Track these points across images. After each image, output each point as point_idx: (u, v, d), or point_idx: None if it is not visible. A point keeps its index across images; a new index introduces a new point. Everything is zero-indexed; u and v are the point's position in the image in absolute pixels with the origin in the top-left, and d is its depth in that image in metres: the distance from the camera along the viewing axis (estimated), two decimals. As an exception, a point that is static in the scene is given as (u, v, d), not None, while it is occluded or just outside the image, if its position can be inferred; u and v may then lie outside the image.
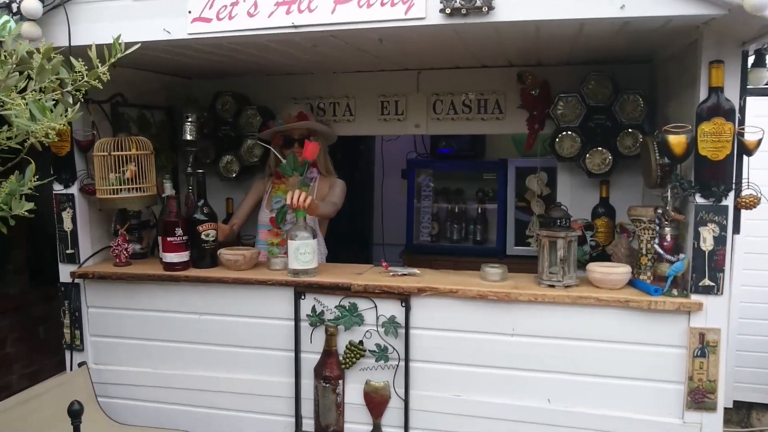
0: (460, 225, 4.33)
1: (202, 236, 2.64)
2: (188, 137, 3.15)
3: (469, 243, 4.33)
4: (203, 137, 3.26)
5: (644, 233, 2.34)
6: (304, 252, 2.46)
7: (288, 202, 2.49)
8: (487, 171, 4.21)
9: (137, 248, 2.88)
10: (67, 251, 2.72)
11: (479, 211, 4.30)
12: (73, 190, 2.70)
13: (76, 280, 2.70)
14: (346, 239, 4.25)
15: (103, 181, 2.59)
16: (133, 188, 2.62)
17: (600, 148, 2.93)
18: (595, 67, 2.92)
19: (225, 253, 2.61)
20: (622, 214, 3.08)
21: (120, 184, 2.60)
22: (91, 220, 2.78)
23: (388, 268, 2.56)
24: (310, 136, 3.14)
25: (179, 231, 2.60)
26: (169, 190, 2.76)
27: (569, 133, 2.96)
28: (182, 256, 2.62)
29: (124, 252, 2.72)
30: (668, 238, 2.23)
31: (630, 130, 2.89)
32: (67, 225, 2.70)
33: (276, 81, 3.44)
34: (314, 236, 2.50)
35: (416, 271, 2.51)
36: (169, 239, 2.59)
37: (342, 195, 3.13)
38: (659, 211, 2.25)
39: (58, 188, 2.71)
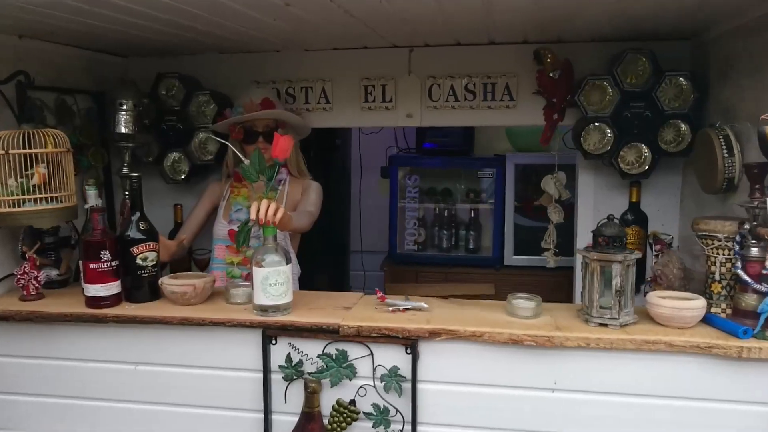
0: (450, 231, 3.77)
1: (138, 260, 2.00)
2: (123, 130, 2.49)
3: (461, 251, 3.78)
4: (142, 130, 2.60)
5: (718, 253, 1.81)
6: (275, 282, 1.85)
7: (252, 216, 1.87)
8: (481, 169, 3.65)
9: (54, 274, 2.21)
10: (-45, 282, 2.04)
11: (472, 214, 3.75)
12: (-38, 200, 2.01)
13: (-32, 321, 2.02)
14: (320, 248, 3.65)
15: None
16: (42, 198, 1.96)
17: (637, 143, 2.40)
18: (629, 45, 2.38)
19: (169, 284, 1.97)
20: (654, 223, 2.58)
21: (24, 193, 1.93)
22: (-11, 239, 2.10)
23: (385, 299, 1.97)
24: (277, 128, 2.52)
25: (106, 255, 1.95)
26: (93, 199, 2.10)
27: (598, 124, 2.41)
28: (111, 288, 1.97)
29: (34, 282, 2.06)
30: (757, 261, 1.71)
31: (672, 120, 2.37)
32: (-46, 247, 2.02)
33: (234, 60, 2.80)
34: (288, 260, 1.89)
35: (423, 304, 1.93)
36: (92, 266, 1.94)
37: (319, 201, 2.53)
38: (745, 226, 1.73)
39: (-60, 199, 2.02)
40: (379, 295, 1.99)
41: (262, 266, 1.85)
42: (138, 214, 2.02)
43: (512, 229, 3.58)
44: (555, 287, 3.53)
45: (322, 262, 3.78)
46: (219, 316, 1.89)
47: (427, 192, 3.81)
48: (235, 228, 2.48)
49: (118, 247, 2.00)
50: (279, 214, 1.89)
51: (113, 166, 2.74)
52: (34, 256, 2.07)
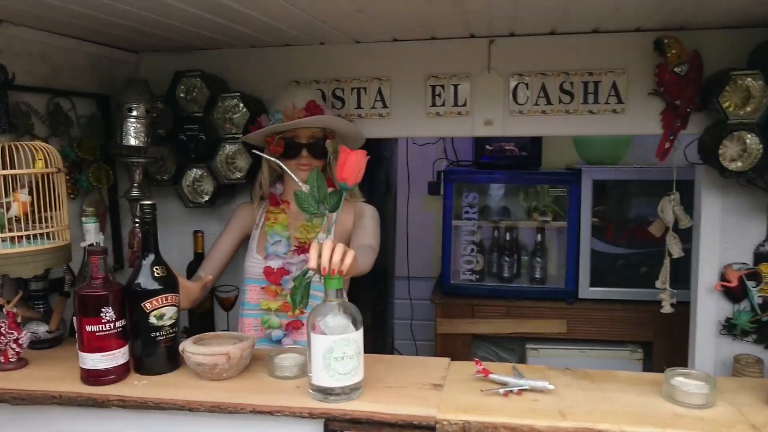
0: (512, 257, 3.22)
1: (152, 319, 1.47)
2: (132, 141, 1.98)
3: (525, 281, 3.23)
4: (156, 141, 2.09)
5: None
6: (343, 356, 1.32)
7: (312, 264, 1.34)
8: (552, 185, 3.11)
9: (41, 331, 1.69)
10: None
11: (538, 238, 3.20)
12: None
13: (-76, 399, 1.50)
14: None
15: (-38, 225, 1.40)
16: (22, 237, 1.44)
17: (795, 158, 1.85)
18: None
19: (194, 353, 1.45)
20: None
21: (-2, 230, 1.42)
22: (-44, 287, 1.59)
23: (488, 374, 1.43)
24: (326, 138, 2.00)
25: (109, 312, 1.43)
26: (92, 234, 1.58)
27: (743, 132, 1.87)
28: (115, 357, 1.45)
29: (13, 346, 1.53)
30: None
31: (841, 128, 1.82)
32: None
33: (268, 56, 2.28)
34: (358, 323, 1.36)
35: (547, 384, 1.38)
36: (90, 327, 1.42)
37: (378, 231, 2.00)
38: None
39: None
40: (480, 367, 1.45)
41: (323, 333, 1.32)
42: (152, 257, 1.50)
43: (588, 255, 3.03)
44: (640, 325, 2.98)
45: (364, 291, 3.24)
46: (262, 400, 1.36)
47: (482, 211, 3.28)
48: (273, 265, 1.97)
49: (124, 300, 1.48)
50: (348, 260, 1.35)
51: (120, 187, 2.22)
52: (14, 310, 1.55)
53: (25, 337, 1.55)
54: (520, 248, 3.27)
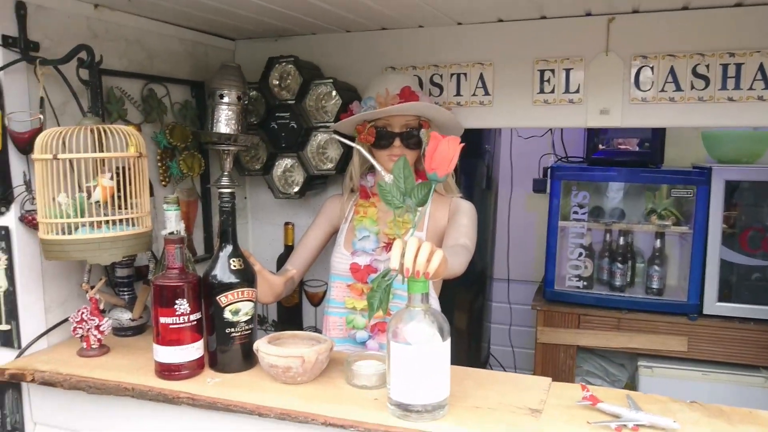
0: (625, 264, 2.91)
1: (227, 314, 1.39)
2: (224, 128, 1.93)
3: (639, 292, 2.91)
4: (248, 129, 2.03)
5: None
6: (426, 369, 1.16)
7: (394, 264, 1.19)
8: (677, 185, 2.77)
9: (125, 319, 1.67)
10: (0, 327, 1.54)
11: (657, 244, 2.87)
12: (9, 219, 1.51)
13: (13, 380, 1.51)
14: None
15: (46, 209, 1.38)
16: (105, 222, 1.40)
17: None
18: None
19: (268, 353, 1.35)
20: None
21: (79, 214, 1.39)
22: (47, 271, 1.59)
23: (596, 402, 1.22)
24: (420, 127, 1.85)
25: (183, 305, 1.36)
26: (173, 223, 1.52)
27: None
28: (189, 351, 1.38)
29: (95, 332, 1.51)
30: None
31: None
32: (0, 283, 1.52)
33: (363, 40, 2.16)
34: (446, 333, 1.19)
35: (671, 422, 1.15)
36: (164, 319, 1.36)
37: (475, 230, 1.82)
38: None
39: (-17, 216, 1.53)
40: (587, 393, 1.24)
41: (405, 342, 1.17)
42: (229, 248, 1.42)
43: (717, 266, 2.67)
44: (779, 349, 2.59)
45: (460, 292, 3.07)
46: (336, 411, 1.23)
47: (593, 212, 2.99)
48: (360, 262, 1.84)
49: (201, 293, 1.41)
50: (436, 261, 1.19)
51: (211, 175, 2.19)
52: (96, 297, 1.53)
53: (106, 324, 1.53)
54: (635, 254, 2.96)
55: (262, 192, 2.36)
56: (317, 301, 2.27)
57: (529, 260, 3.54)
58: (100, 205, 1.41)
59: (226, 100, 1.93)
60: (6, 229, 1.50)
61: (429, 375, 1.17)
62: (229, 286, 1.39)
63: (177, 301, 1.35)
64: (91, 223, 1.38)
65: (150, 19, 1.89)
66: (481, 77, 2.03)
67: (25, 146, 1.46)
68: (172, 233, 1.49)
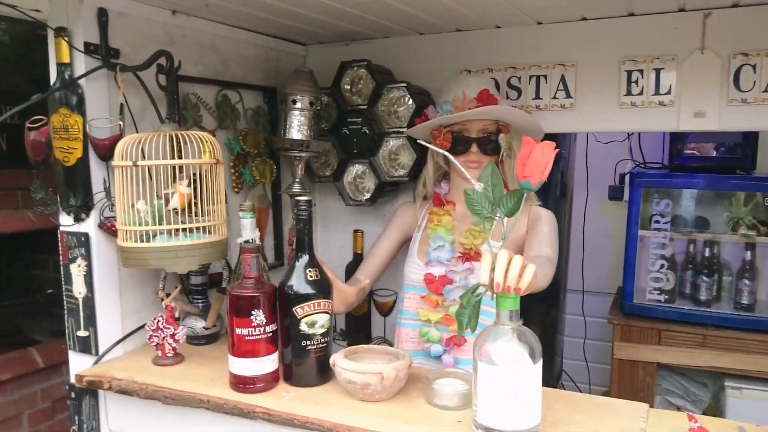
0: (711, 277, 2.72)
1: (303, 326, 1.34)
2: (296, 134, 1.90)
3: (727, 307, 2.72)
4: (320, 135, 2.00)
5: None
6: (516, 392, 1.08)
7: (484, 278, 1.11)
8: (769, 193, 2.57)
9: (199, 327, 1.66)
10: (79, 333, 1.55)
11: (747, 256, 2.67)
12: (89, 226, 1.52)
13: (91, 387, 1.51)
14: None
15: (125, 215, 1.38)
16: (181, 230, 1.38)
17: None
18: None
19: (345, 368, 1.29)
20: None
21: (157, 222, 1.38)
22: (124, 278, 1.59)
23: (706, 435, 1.10)
24: (499, 132, 1.76)
25: (259, 316, 1.32)
26: (248, 231, 1.49)
27: None
28: (264, 364, 1.34)
29: (170, 341, 1.50)
30: None
31: None
32: (79, 288, 1.53)
33: (436, 43, 2.09)
34: (537, 354, 1.11)
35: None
36: (239, 330, 1.33)
37: (556, 239, 1.73)
38: None
39: (65, 223, 1.54)
40: (695, 424, 1.13)
41: (492, 363, 1.09)
42: (306, 258, 1.37)
43: (816, 281, 2.46)
44: None
45: (532, 306, 2.94)
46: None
47: (675, 221, 2.81)
48: (434, 272, 1.77)
49: (277, 303, 1.37)
50: (528, 276, 1.11)
51: (282, 182, 2.17)
52: (172, 305, 1.52)
53: (181, 332, 1.51)
54: (722, 267, 2.76)
55: (331, 198, 2.32)
56: (386, 310, 2.22)
57: (603, 270, 3.38)
58: (177, 212, 1.39)
59: (298, 105, 1.91)
60: (86, 235, 1.50)
61: (518, 399, 1.09)
62: (305, 297, 1.34)
63: (253, 312, 1.32)
64: (169, 231, 1.36)
65: (224, 25, 1.88)
66: (563, 79, 1.92)
67: (105, 153, 1.46)
68: (247, 241, 1.46)
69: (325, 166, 2.17)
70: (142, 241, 1.35)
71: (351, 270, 2.23)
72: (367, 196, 2.11)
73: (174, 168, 1.45)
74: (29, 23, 2.54)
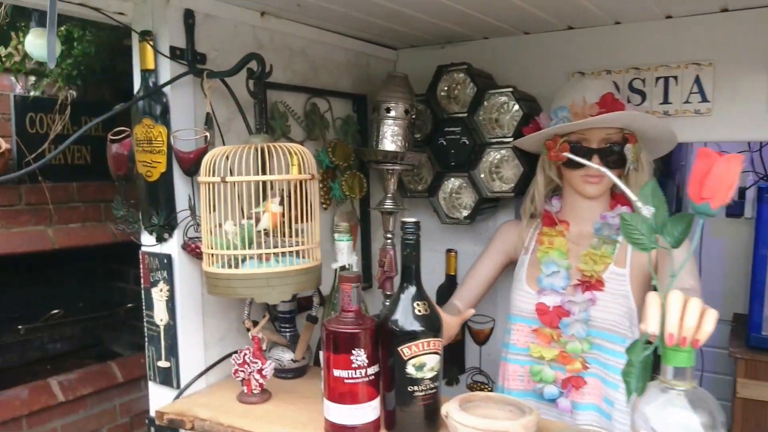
0: None
1: (409, 368, 1.15)
2: (389, 145, 1.73)
3: None
4: (414, 146, 1.82)
5: None
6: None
7: (653, 328, 0.89)
8: None
9: (286, 360, 1.50)
10: (160, 363, 1.42)
11: None
12: (172, 247, 1.39)
13: (172, 426, 1.37)
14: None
15: (211, 237, 1.23)
16: (273, 255, 1.22)
17: None
18: None
19: (462, 423, 1.09)
20: None
21: (246, 245, 1.22)
22: (207, 303, 1.45)
23: None
24: (625, 142, 1.53)
25: (361, 356, 1.14)
26: (345, 255, 1.32)
27: None
28: (364, 411, 1.16)
29: (257, 376, 1.34)
30: None
31: None
32: (161, 315, 1.40)
33: (545, 43, 1.88)
34: (717, 425, 0.87)
35: None
36: (337, 372, 1.15)
37: (696, 266, 1.48)
38: None
39: (146, 243, 1.42)
40: None
41: (662, 432, 0.86)
42: (413, 289, 1.18)
43: None
44: None
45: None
46: None
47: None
48: (548, 302, 1.55)
49: (379, 340, 1.19)
50: (709, 324, 0.88)
51: (372, 197, 2.00)
52: (259, 336, 1.36)
53: (269, 367, 1.35)
54: None
55: (421, 214, 2.13)
56: (482, 339, 2.01)
57: (718, 295, 3.03)
58: (267, 234, 1.24)
59: (392, 114, 1.73)
60: (168, 257, 1.38)
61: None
62: (413, 336, 1.15)
63: (354, 352, 1.14)
64: (259, 256, 1.20)
65: (315, 28, 1.74)
66: (698, 80, 1.66)
67: (190, 167, 1.33)
68: (344, 268, 1.29)
69: (418, 179, 1.99)
70: (230, 266, 1.20)
71: (443, 293, 2.03)
72: (465, 213, 1.91)
73: (259, 184, 1.30)
74: (114, 34, 2.52)
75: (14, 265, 2.79)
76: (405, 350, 1.15)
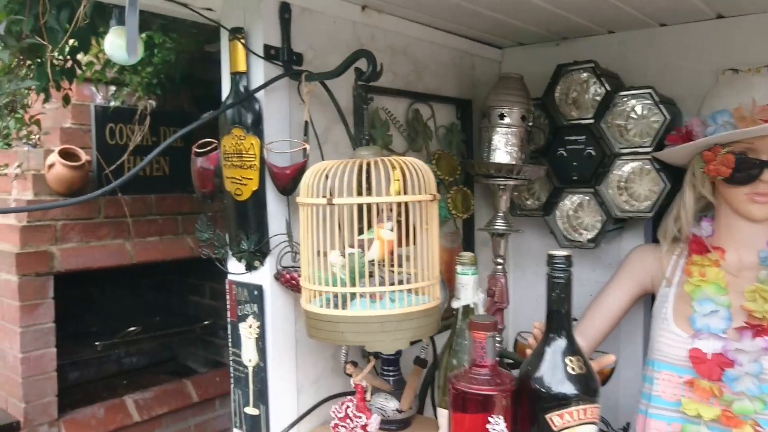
0: None
1: (560, 441, 0.91)
2: (502, 157, 1.50)
3: None
4: (530, 157, 1.58)
5: None
6: None
7: None
8: None
9: (390, 409, 1.28)
10: (247, 410, 1.23)
11: None
12: (263, 276, 1.20)
13: (258, 483, 1.18)
14: None
15: (311, 269, 1.02)
16: (387, 293, 1.01)
17: None
18: None
19: None
20: None
21: (354, 280, 1.01)
22: (301, 342, 1.26)
23: None
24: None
25: (499, 425, 0.91)
26: (470, 291, 1.09)
27: None
28: (501, 492, 0.92)
29: (360, 432, 1.13)
30: None
31: None
32: (249, 355, 1.21)
33: (683, 36, 1.59)
34: None
35: None
36: (468, 441, 0.92)
37: None
38: None
39: (234, 270, 1.24)
40: None
41: None
42: (563, 342, 0.94)
43: None
44: None
45: None
46: None
47: None
48: (704, 348, 1.28)
49: (518, 397, 0.95)
50: None
51: (477, 216, 1.76)
52: (363, 384, 1.15)
53: (375, 422, 1.14)
54: None
55: (532, 235, 1.88)
56: (603, 379, 1.73)
57: None
58: (378, 266, 1.02)
59: (506, 120, 1.50)
60: (259, 288, 1.19)
61: None
62: (564, 400, 0.91)
63: (491, 420, 0.91)
64: (371, 294, 0.99)
65: (418, 24, 1.53)
66: None
67: (287, 185, 1.14)
68: (468, 307, 1.06)
69: (529, 195, 1.74)
70: (336, 306, 0.99)
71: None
72: (589, 235, 1.64)
73: (363, 207, 1.08)
74: (195, 40, 2.40)
75: (91, 279, 2.73)
76: (555, 419, 0.91)
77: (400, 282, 1.01)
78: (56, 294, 2.38)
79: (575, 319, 1.40)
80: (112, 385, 2.93)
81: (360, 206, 0.97)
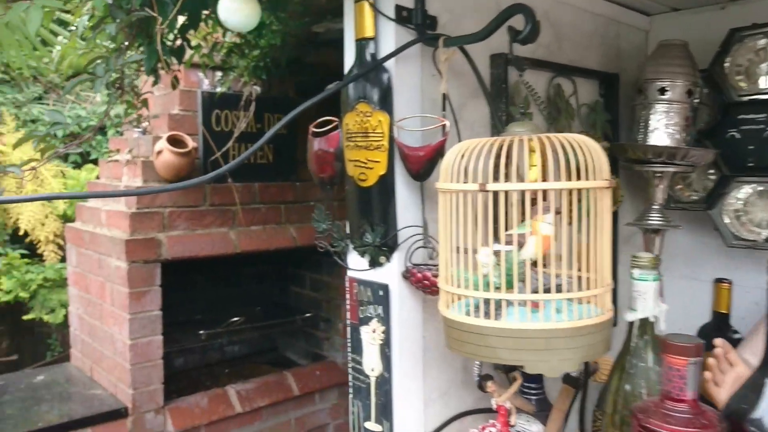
0: None
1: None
2: (663, 139, 1.26)
3: None
4: (695, 139, 1.33)
5: None
6: None
7: None
8: None
9: (533, 433, 1.09)
10: (368, 425, 1.08)
11: None
12: (390, 274, 1.04)
13: None
14: None
15: (452, 269, 0.85)
16: (553, 302, 0.82)
17: None
18: None
19: None
20: None
21: (515, 282, 0.83)
22: (429, 350, 1.09)
23: None
24: None
25: (703, 477, 0.70)
26: (650, 302, 0.88)
27: None
28: None
29: (503, 463, 0.95)
30: None
31: None
32: (372, 363, 1.06)
33: None
34: None
35: None
36: (659, 495, 0.72)
37: None
38: None
39: (356, 266, 1.09)
40: None
41: None
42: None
43: None
44: None
45: None
46: None
47: None
48: None
49: (722, 446, 0.74)
50: None
51: (626, 207, 1.52)
52: (507, 405, 0.97)
53: (520, 450, 0.96)
54: None
55: (690, 231, 1.61)
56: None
57: None
58: (533, 265, 0.84)
59: (668, 96, 1.26)
60: (385, 288, 1.03)
61: None
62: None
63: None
64: (532, 302, 0.80)
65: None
66: None
67: (421, 169, 0.97)
68: (647, 320, 0.85)
69: (687, 185, 1.48)
70: (486, 315, 0.81)
71: (706, 336, 1.51)
72: (765, 233, 1.37)
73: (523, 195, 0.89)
74: (302, 22, 2.30)
75: (196, 267, 2.70)
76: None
77: (558, 287, 0.82)
78: (162, 281, 2.37)
79: None
80: (214, 374, 2.92)
81: (521, 194, 0.78)
